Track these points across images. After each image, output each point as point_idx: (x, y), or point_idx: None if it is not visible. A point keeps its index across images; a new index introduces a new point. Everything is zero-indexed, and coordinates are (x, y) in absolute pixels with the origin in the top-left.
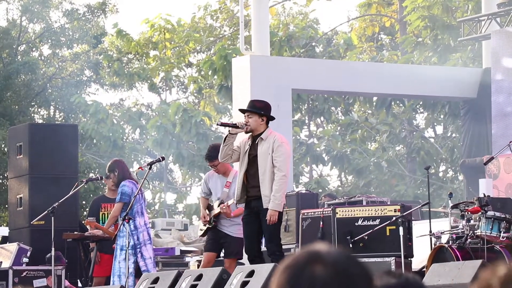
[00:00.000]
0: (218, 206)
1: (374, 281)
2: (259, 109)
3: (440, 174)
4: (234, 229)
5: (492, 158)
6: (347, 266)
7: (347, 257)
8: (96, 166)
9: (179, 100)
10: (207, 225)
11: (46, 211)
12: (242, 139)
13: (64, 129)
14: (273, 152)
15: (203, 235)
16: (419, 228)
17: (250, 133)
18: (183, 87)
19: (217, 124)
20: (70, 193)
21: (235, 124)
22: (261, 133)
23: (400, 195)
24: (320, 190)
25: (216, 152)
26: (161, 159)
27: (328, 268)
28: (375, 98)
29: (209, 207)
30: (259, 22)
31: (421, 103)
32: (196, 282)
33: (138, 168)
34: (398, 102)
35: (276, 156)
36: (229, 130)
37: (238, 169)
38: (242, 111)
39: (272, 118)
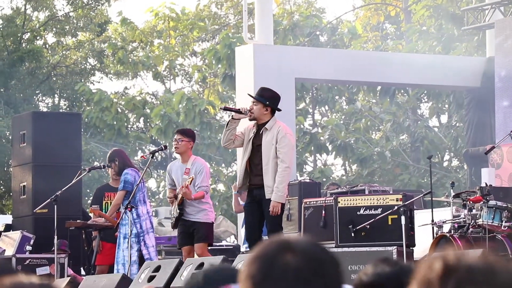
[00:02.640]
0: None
1: (341, 265)
2: (265, 99)
3: (445, 164)
4: (201, 215)
5: (493, 147)
6: (317, 253)
7: (315, 245)
8: (101, 155)
9: (184, 89)
10: (174, 216)
11: (49, 199)
12: (247, 125)
13: (67, 118)
14: (276, 143)
15: (174, 227)
16: (422, 217)
17: (255, 121)
18: (187, 76)
19: (221, 109)
20: (73, 182)
21: (239, 109)
22: (266, 123)
23: (404, 184)
24: (324, 179)
25: (191, 131)
26: (163, 147)
27: (299, 256)
28: (379, 87)
29: (176, 198)
30: (262, 11)
31: (425, 92)
32: (197, 271)
33: (141, 157)
34: (402, 91)
35: (279, 147)
36: (232, 115)
37: (241, 155)
38: (250, 96)
39: (278, 110)
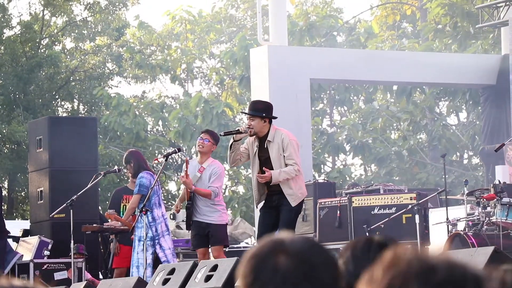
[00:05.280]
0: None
1: (338, 269)
2: (261, 111)
3: (465, 162)
4: (215, 216)
5: (503, 145)
6: (310, 255)
7: (311, 246)
8: (120, 159)
9: (203, 91)
10: (186, 211)
11: (65, 204)
12: (248, 139)
13: (83, 122)
14: (284, 152)
15: (187, 228)
16: (437, 215)
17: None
18: (206, 78)
19: (220, 135)
20: (89, 186)
21: (238, 130)
22: (267, 134)
23: (422, 183)
24: (342, 180)
25: (218, 136)
26: (177, 150)
27: (291, 257)
28: (395, 87)
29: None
30: (276, 12)
31: (441, 89)
32: (211, 273)
33: (154, 160)
34: (419, 90)
35: (287, 155)
36: (233, 137)
37: (251, 170)
38: (244, 114)
39: (274, 118)
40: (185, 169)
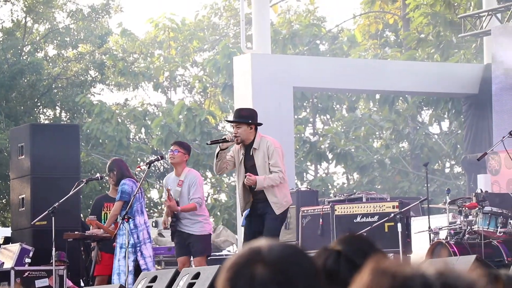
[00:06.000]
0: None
1: (318, 277)
2: (247, 118)
3: (447, 171)
4: (197, 227)
5: (485, 154)
6: (288, 265)
7: (289, 254)
8: (102, 166)
9: (186, 99)
10: (170, 229)
11: (47, 211)
12: (234, 147)
13: (65, 129)
14: (269, 159)
15: (172, 240)
16: (419, 224)
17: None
18: (189, 86)
19: (207, 143)
20: (71, 193)
21: (224, 138)
22: (253, 142)
23: (404, 192)
24: (324, 189)
25: (187, 144)
26: (159, 158)
27: (268, 267)
28: (377, 95)
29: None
30: (259, 20)
31: (423, 98)
32: (193, 281)
33: (137, 168)
34: (401, 99)
35: (272, 163)
36: (219, 146)
37: (236, 179)
38: (230, 122)
39: (260, 124)
40: (167, 194)
